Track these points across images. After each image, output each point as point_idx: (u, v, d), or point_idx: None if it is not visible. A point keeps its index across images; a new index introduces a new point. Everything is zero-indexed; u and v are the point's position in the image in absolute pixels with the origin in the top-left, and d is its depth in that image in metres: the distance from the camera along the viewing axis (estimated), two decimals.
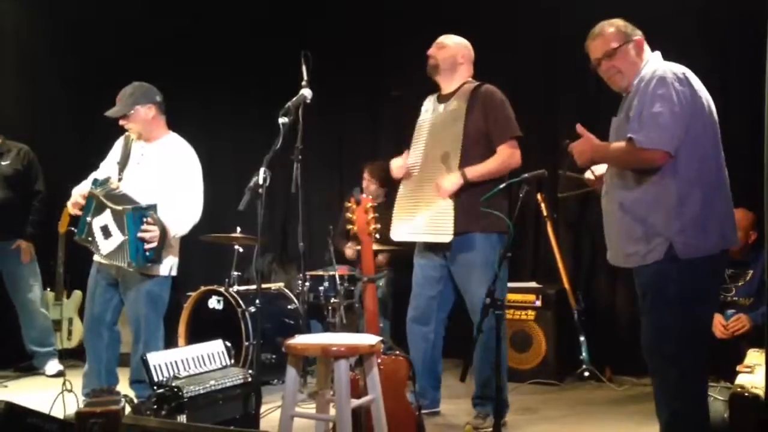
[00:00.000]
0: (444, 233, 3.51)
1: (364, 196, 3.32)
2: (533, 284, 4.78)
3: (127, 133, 3.78)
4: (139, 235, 3.41)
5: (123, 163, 3.72)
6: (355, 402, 2.71)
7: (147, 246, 3.44)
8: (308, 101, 3.24)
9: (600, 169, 2.86)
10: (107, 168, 3.78)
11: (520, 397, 4.14)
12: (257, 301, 3.91)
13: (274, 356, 4.46)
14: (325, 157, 5.91)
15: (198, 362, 3.38)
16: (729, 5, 4.38)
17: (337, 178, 6.01)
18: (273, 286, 4.99)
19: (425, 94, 3.93)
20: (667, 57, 2.76)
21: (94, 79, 5.54)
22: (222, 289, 4.60)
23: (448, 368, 4.08)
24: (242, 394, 3.31)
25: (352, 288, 4.70)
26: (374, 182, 5.13)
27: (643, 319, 2.67)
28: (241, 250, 4.90)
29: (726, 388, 3.12)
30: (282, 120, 3.07)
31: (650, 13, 4.51)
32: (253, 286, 4.68)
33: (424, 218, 3.61)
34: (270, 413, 3.70)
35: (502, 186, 3.25)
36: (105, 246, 3.51)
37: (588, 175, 2.95)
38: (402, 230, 3.71)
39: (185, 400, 3.08)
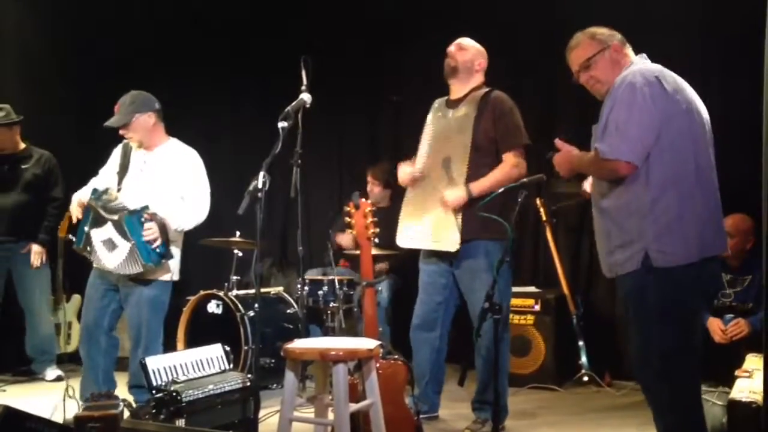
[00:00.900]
0: (450, 242, 3.50)
1: (363, 200, 3.32)
2: (532, 289, 4.79)
3: (125, 141, 3.78)
4: (143, 234, 3.44)
5: (122, 173, 3.72)
6: (354, 406, 2.71)
7: (153, 244, 3.47)
8: (308, 106, 3.24)
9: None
10: (107, 176, 3.78)
11: (519, 401, 4.14)
12: (256, 306, 3.92)
13: (272, 360, 4.46)
14: (324, 161, 5.92)
15: (197, 366, 3.38)
16: (729, 7, 4.39)
17: (336, 183, 6.01)
18: (272, 290, 4.99)
19: (424, 98, 3.93)
20: (667, 64, 2.72)
21: (95, 79, 5.54)
22: (221, 294, 4.60)
23: (447, 373, 4.07)
24: (241, 398, 3.31)
25: (351, 292, 4.70)
26: (378, 185, 5.14)
27: (630, 333, 2.61)
28: (240, 254, 4.90)
29: (725, 393, 3.12)
30: (281, 124, 3.08)
31: (649, 16, 4.55)
32: (252, 291, 4.67)
33: (431, 226, 3.59)
34: (269, 418, 3.70)
35: (500, 191, 3.25)
36: (112, 259, 3.52)
37: (585, 186, 2.94)
38: (408, 237, 3.70)
39: (184, 404, 3.08)
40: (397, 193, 4.07)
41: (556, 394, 4.46)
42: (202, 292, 4.68)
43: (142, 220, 3.47)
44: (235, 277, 4.81)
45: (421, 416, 3.31)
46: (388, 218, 3.97)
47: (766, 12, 2.28)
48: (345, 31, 5.80)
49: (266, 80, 5.87)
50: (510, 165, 3.52)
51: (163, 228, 3.51)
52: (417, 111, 3.98)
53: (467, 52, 3.68)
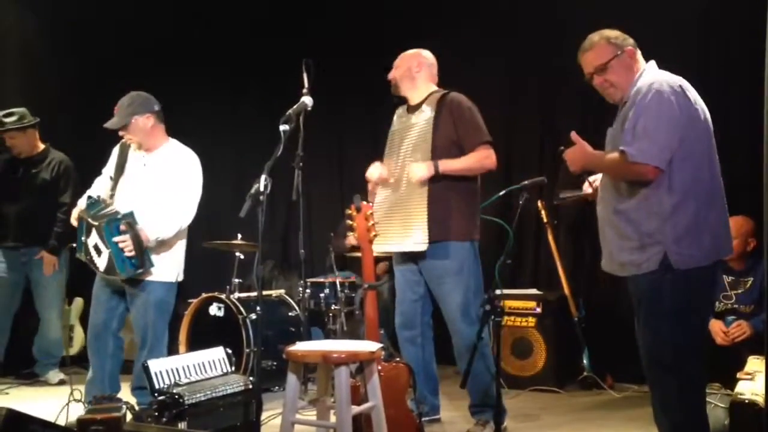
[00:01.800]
0: (419, 242, 3.51)
1: (364, 203, 3.33)
2: (534, 291, 4.78)
3: (123, 141, 3.78)
4: (116, 242, 3.43)
5: (118, 173, 3.72)
6: (356, 409, 2.72)
7: (126, 254, 3.45)
8: (309, 109, 3.25)
9: (598, 180, 2.86)
10: (104, 179, 3.80)
11: (520, 404, 4.14)
12: (258, 308, 3.91)
13: (274, 363, 4.46)
14: (325, 164, 5.92)
15: (199, 369, 3.39)
16: (729, 13, 4.40)
17: (337, 186, 6.02)
18: (274, 293, 4.99)
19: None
20: (667, 64, 2.74)
21: (94, 79, 5.56)
22: (223, 296, 4.61)
23: (448, 375, 4.08)
24: (243, 401, 3.32)
25: (353, 295, 4.70)
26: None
27: (640, 329, 2.66)
28: (242, 257, 4.91)
29: (726, 395, 3.12)
30: (283, 127, 3.08)
31: (650, 19, 4.55)
32: (254, 293, 4.69)
33: (398, 228, 3.60)
34: (271, 420, 3.70)
35: (502, 193, 3.26)
36: (101, 264, 3.55)
37: (586, 188, 2.95)
38: (379, 242, 3.59)
39: (186, 407, 3.08)
40: None
41: (557, 396, 4.46)
42: (203, 295, 4.69)
43: (121, 229, 3.45)
44: (236, 280, 4.82)
45: (423, 419, 3.31)
46: None
47: (766, 12, 2.29)
48: (346, 32, 5.81)
49: (267, 81, 5.88)
50: (482, 155, 3.51)
51: (137, 240, 3.46)
52: None
53: (399, 67, 3.74)
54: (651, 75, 2.64)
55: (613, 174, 2.67)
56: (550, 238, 4.80)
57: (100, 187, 3.79)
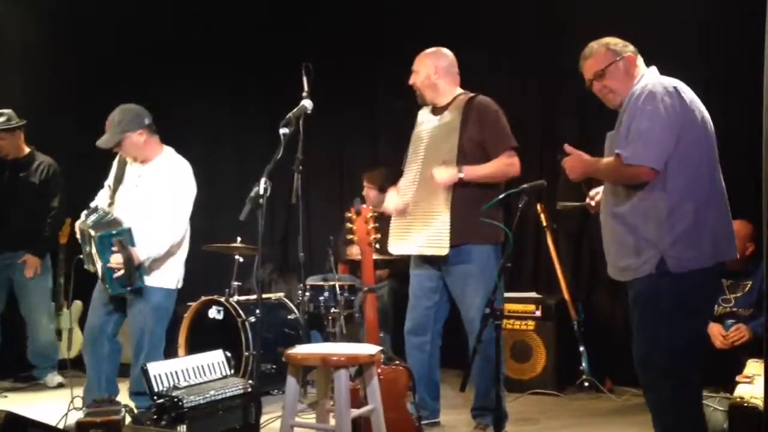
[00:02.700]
0: (441, 246, 3.51)
1: (364, 206, 3.34)
2: (533, 294, 4.78)
3: None
4: (108, 263, 3.43)
5: (115, 187, 3.71)
6: (355, 412, 2.72)
7: (115, 274, 3.44)
8: (309, 112, 3.26)
9: (598, 194, 2.87)
10: (105, 189, 3.80)
11: (520, 407, 4.14)
12: (257, 311, 3.92)
13: (274, 366, 4.46)
14: (325, 167, 5.92)
15: (198, 372, 3.39)
16: (729, 16, 4.40)
17: (337, 189, 6.02)
18: (273, 296, 4.99)
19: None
20: (666, 68, 2.75)
21: (94, 79, 5.56)
22: (222, 299, 4.60)
23: (447, 378, 4.08)
24: (242, 404, 3.31)
25: (353, 298, 4.70)
26: (373, 188, 5.15)
27: (635, 332, 2.65)
28: (241, 260, 4.90)
29: (725, 398, 3.12)
30: (283, 130, 3.09)
31: (649, 16, 4.55)
32: (254, 296, 4.69)
33: (421, 232, 3.59)
34: (270, 423, 3.70)
35: (501, 196, 3.26)
36: (99, 271, 3.55)
37: (588, 201, 2.96)
38: (399, 244, 3.71)
39: (185, 410, 3.08)
40: None
41: (556, 400, 4.46)
42: (203, 298, 4.68)
43: (113, 248, 3.43)
44: (236, 283, 4.81)
45: (422, 422, 3.31)
46: (386, 223, 3.98)
47: (765, 12, 2.29)
48: (346, 32, 5.80)
49: (267, 82, 5.88)
50: (505, 162, 3.53)
51: (129, 261, 3.43)
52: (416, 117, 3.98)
53: (419, 73, 3.71)
54: (647, 78, 2.65)
55: (610, 178, 2.68)
56: (550, 241, 4.81)
57: (101, 198, 3.79)
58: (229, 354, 3.59)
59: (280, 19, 5.96)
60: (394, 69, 5.50)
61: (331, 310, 4.62)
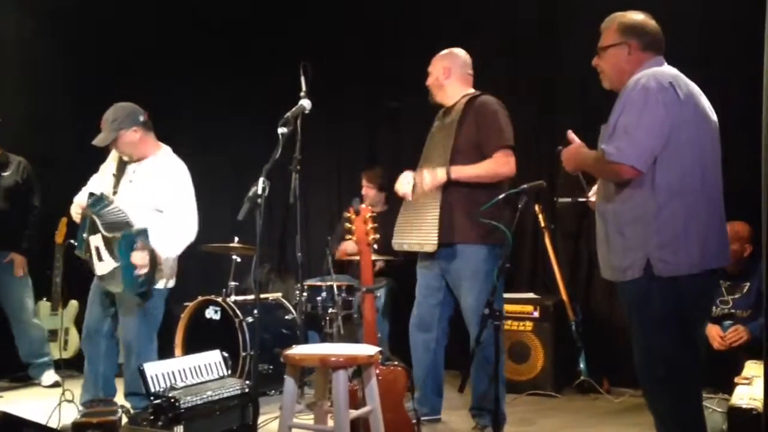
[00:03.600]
0: (429, 242, 3.54)
1: (363, 206, 3.33)
2: (531, 295, 4.78)
3: None
4: (132, 262, 3.40)
5: (119, 176, 3.69)
6: (354, 413, 2.70)
7: (138, 272, 3.42)
8: (307, 112, 3.25)
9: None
10: (102, 179, 3.76)
11: (517, 408, 4.13)
12: (255, 311, 3.91)
13: (271, 367, 4.45)
14: (323, 167, 5.91)
15: (195, 373, 3.38)
16: (729, 15, 4.39)
17: (335, 189, 6.01)
18: (271, 296, 4.98)
19: (423, 104, 3.94)
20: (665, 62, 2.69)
21: (94, 79, 5.54)
22: (219, 299, 4.59)
23: (446, 379, 4.06)
24: (239, 404, 3.31)
25: (350, 298, 4.69)
26: (372, 187, 5.15)
27: (633, 338, 2.59)
28: (238, 260, 4.89)
29: (724, 400, 3.12)
30: (281, 130, 3.07)
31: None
32: (251, 296, 4.67)
33: (414, 228, 3.66)
34: (267, 424, 3.69)
35: (501, 197, 3.25)
36: (99, 268, 3.53)
37: (590, 195, 2.93)
38: (398, 240, 3.77)
39: (182, 410, 3.07)
40: (392, 195, 4.06)
41: (554, 401, 4.45)
42: (200, 298, 4.67)
43: (136, 246, 3.41)
44: (233, 283, 4.80)
45: (422, 419, 3.30)
46: (384, 222, 3.98)
47: (765, 12, 2.27)
48: (344, 35, 5.80)
49: (265, 82, 5.87)
50: (497, 162, 3.51)
51: (153, 260, 3.45)
52: (416, 117, 3.99)
53: (431, 74, 3.77)
54: (644, 71, 2.51)
55: (595, 173, 2.60)
56: (548, 242, 4.80)
57: (98, 185, 3.75)
58: (226, 354, 3.59)
59: (278, 19, 5.96)
60: (393, 69, 5.55)
61: (329, 311, 4.61)
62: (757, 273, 3.86)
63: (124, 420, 3.14)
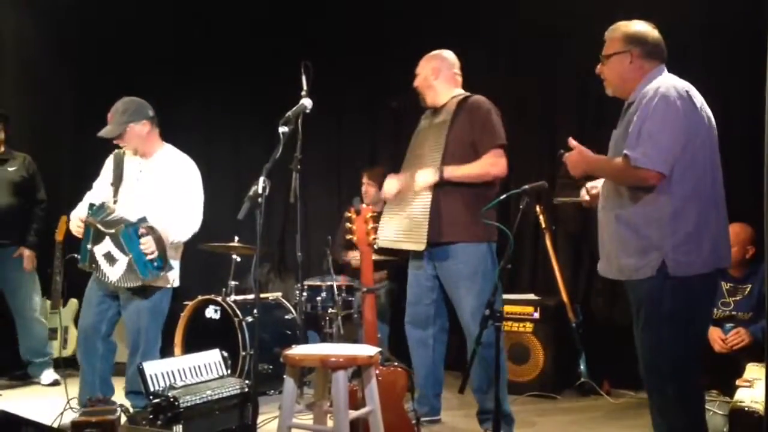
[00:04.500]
0: (418, 241, 3.53)
1: (363, 205, 3.32)
2: (531, 296, 4.77)
3: (116, 151, 3.76)
4: (140, 247, 3.40)
5: (117, 183, 3.68)
6: (353, 413, 2.70)
7: (149, 257, 3.43)
8: (308, 111, 3.24)
9: (596, 188, 2.85)
10: (101, 189, 3.76)
11: (518, 409, 4.10)
12: (255, 311, 3.90)
13: (270, 366, 4.44)
14: (323, 166, 5.91)
15: (195, 372, 3.37)
16: (730, 17, 4.38)
17: (335, 188, 6.00)
18: (270, 295, 4.97)
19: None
20: (667, 67, 2.73)
21: (94, 79, 5.54)
22: (219, 299, 4.58)
23: (446, 380, 4.05)
24: (239, 404, 3.30)
25: (350, 298, 4.68)
26: (373, 185, 5.14)
27: (639, 335, 2.64)
28: (238, 259, 4.88)
29: (725, 402, 3.12)
30: (282, 129, 3.07)
31: (649, 17, 4.52)
32: (251, 296, 4.66)
33: (402, 226, 3.65)
34: (267, 424, 3.68)
35: (502, 197, 3.24)
36: (114, 272, 3.49)
37: (583, 194, 2.94)
38: (384, 236, 3.73)
39: (181, 410, 3.07)
40: None
41: (554, 402, 4.44)
42: (200, 298, 4.67)
43: (139, 233, 3.42)
44: (233, 283, 4.79)
45: (422, 419, 3.28)
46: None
47: (766, 12, 2.27)
48: (346, 32, 5.79)
49: (266, 81, 5.87)
50: (487, 162, 3.52)
51: (159, 241, 3.46)
52: (416, 117, 3.98)
53: (419, 75, 3.78)
54: (660, 79, 2.62)
55: (616, 179, 2.65)
56: (548, 243, 4.79)
57: (97, 197, 3.73)
58: (225, 354, 3.58)
59: (279, 19, 5.95)
60: (393, 69, 5.54)
61: (329, 311, 4.60)
62: (759, 275, 3.85)
63: (123, 419, 3.13)
